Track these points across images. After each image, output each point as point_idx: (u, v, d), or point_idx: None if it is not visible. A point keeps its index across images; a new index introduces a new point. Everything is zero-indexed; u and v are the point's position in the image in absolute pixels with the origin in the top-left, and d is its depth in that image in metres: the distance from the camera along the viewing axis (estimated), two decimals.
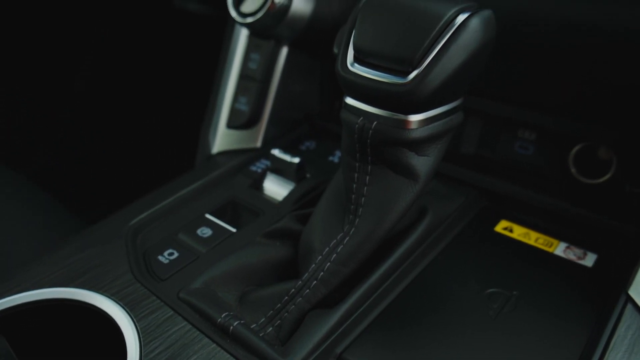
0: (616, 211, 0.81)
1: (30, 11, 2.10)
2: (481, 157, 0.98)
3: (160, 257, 0.80)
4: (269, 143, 1.07)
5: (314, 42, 1.05)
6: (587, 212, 0.82)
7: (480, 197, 0.91)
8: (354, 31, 0.67)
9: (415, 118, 0.65)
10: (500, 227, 0.86)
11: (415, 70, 0.62)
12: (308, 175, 0.97)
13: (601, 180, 0.86)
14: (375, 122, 0.66)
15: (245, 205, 0.91)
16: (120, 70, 2.29)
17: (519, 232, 0.85)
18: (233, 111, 1.06)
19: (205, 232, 0.85)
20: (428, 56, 0.61)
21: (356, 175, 0.71)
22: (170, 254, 0.81)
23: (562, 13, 0.77)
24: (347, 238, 0.71)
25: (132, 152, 2.07)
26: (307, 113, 1.14)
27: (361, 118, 0.67)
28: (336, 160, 1.02)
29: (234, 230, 0.85)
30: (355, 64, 0.66)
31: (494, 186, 0.90)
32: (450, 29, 0.61)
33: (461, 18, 0.62)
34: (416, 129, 0.65)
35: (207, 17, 2.24)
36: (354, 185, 0.71)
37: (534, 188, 0.88)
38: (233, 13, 0.97)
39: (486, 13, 0.63)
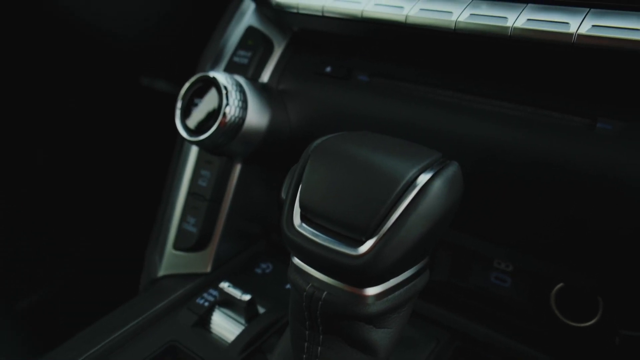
0: None
1: None
2: (454, 286, 0.88)
3: None
4: (220, 264, 0.97)
5: (271, 155, 0.96)
6: None
7: (453, 338, 0.81)
8: (301, 184, 0.58)
9: (371, 292, 0.55)
10: None
11: (370, 240, 0.52)
12: (262, 311, 0.86)
13: (589, 323, 0.77)
14: (325, 293, 0.56)
15: (188, 353, 0.80)
16: (81, 151, 2.18)
17: None
18: (180, 232, 0.95)
19: None
20: (384, 225, 0.52)
21: (306, 345, 0.61)
22: None
23: (536, 152, 0.69)
24: None
25: (78, 259, 1.90)
26: (264, 227, 1.05)
27: (310, 284, 0.57)
28: None
29: None
30: (303, 224, 0.57)
31: (467, 328, 0.80)
32: (411, 192, 0.53)
33: (423, 179, 0.53)
34: (373, 303, 0.55)
35: (174, 96, 2.17)
36: (304, 357, 0.61)
37: (513, 331, 0.78)
38: (181, 130, 0.88)
39: (450, 171, 0.55)
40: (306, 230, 0.56)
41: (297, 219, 0.58)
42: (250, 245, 1.03)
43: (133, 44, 1.79)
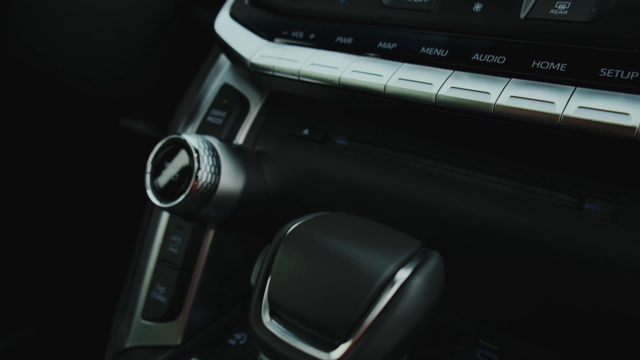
0: None
1: None
2: None
3: None
4: (192, 335, 0.91)
5: (247, 219, 0.92)
6: None
7: None
8: (270, 276, 0.54)
9: None
10: None
11: (343, 345, 0.48)
12: None
13: None
14: None
15: None
16: (53, 199, 2.11)
17: None
18: (149, 301, 0.90)
19: None
20: (358, 329, 0.48)
21: None
22: None
23: (521, 230, 0.66)
24: None
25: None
26: (240, 292, 0.99)
27: None
28: None
29: None
30: (273, 321, 0.52)
31: None
32: (388, 290, 0.48)
33: (402, 276, 0.49)
34: None
35: (153, 138, 2.12)
36: None
37: None
38: (151, 196, 0.83)
39: (431, 265, 0.51)
40: (275, 327, 0.52)
41: (266, 315, 0.53)
42: (225, 312, 0.97)
43: (110, 89, 1.75)
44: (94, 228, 1.91)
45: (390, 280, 0.49)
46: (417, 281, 0.49)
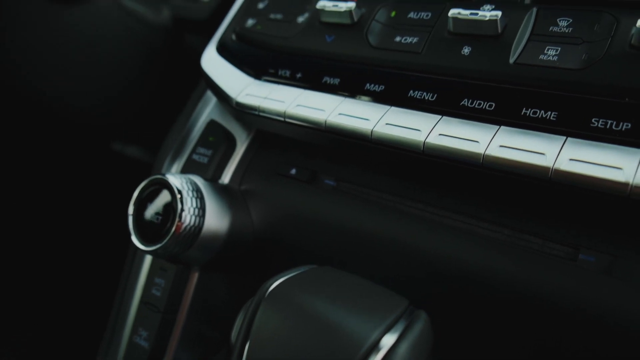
0: None
1: None
2: None
3: None
4: None
5: (232, 259, 0.89)
6: None
7: None
8: (249, 339, 0.51)
9: None
10: None
11: None
12: None
13: None
14: None
15: None
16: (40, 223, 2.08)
17: None
18: (131, 345, 0.87)
19: None
20: None
21: None
22: None
23: (512, 279, 0.64)
24: None
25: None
26: (226, 333, 0.96)
27: None
28: None
29: None
30: None
31: None
32: (373, 358, 0.46)
33: (387, 342, 0.47)
34: None
35: (145, 163, 2.10)
36: None
37: None
38: (134, 238, 0.81)
39: (417, 330, 0.49)
40: None
41: None
42: (211, 354, 0.94)
43: (98, 114, 1.73)
44: (79, 263, 1.87)
45: (375, 347, 0.46)
46: (403, 348, 0.47)
